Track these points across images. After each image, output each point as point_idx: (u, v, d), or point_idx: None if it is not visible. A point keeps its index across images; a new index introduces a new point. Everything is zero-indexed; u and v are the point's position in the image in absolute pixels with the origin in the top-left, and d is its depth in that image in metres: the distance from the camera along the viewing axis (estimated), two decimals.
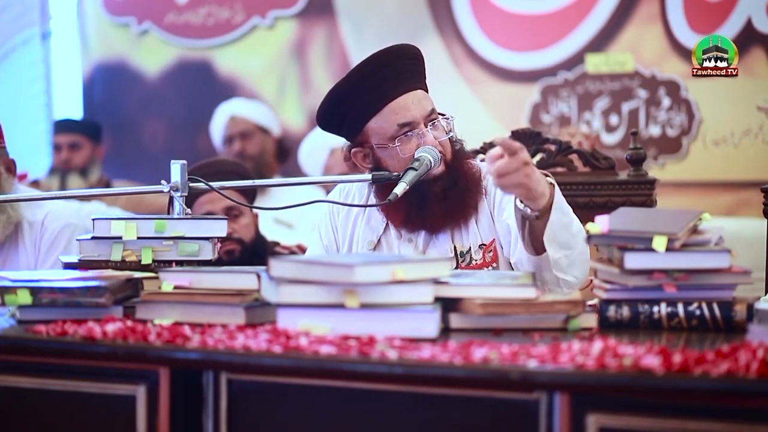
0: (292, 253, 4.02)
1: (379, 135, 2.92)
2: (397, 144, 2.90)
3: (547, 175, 2.71)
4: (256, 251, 3.89)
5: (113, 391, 2.32)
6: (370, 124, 2.92)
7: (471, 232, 2.93)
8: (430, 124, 2.92)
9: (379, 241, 2.98)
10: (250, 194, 4.00)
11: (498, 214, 2.92)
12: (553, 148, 3.44)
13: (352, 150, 2.98)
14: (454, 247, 2.92)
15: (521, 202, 2.66)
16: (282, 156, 5.98)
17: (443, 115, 2.96)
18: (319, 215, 3.12)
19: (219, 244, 2.83)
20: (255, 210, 3.97)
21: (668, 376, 1.95)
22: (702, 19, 5.50)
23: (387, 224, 2.98)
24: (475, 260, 2.91)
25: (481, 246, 2.92)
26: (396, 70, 2.91)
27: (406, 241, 2.96)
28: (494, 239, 2.92)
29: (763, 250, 3.46)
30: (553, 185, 2.68)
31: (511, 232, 2.86)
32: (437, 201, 2.90)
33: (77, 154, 6.11)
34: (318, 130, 5.36)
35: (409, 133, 2.89)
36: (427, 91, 2.97)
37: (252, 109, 6.05)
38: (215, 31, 6.60)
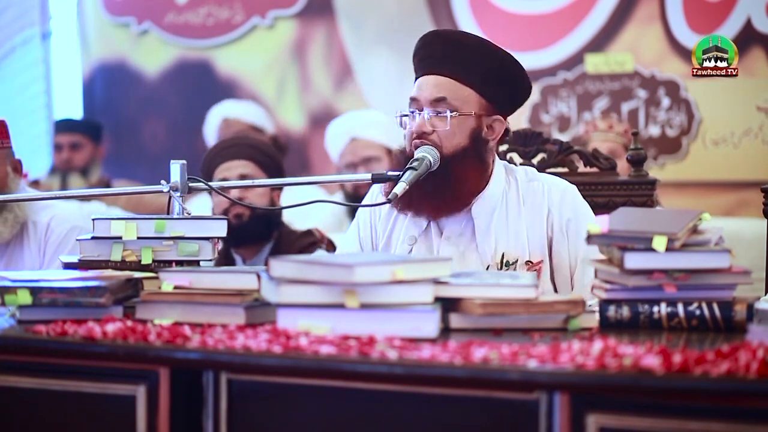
0: (319, 238, 4.01)
1: None
2: (397, 115, 2.94)
3: None
4: (269, 219, 4.01)
5: (113, 391, 2.32)
6: None
7: (520, 244, 2.88)
8: (431, 110, 2.90)
9: (419, 238, 2.95)
10: (274, 171, 4.03)
11: (571, 248, 2.91)
12: (554, 148, 3.43)
13: None
14: (502, 254, 2.88)
15: None
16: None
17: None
18: (360, 210, 3.10)
19: (219, 244, 2.83)
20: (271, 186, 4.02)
21: (668, 376, 1.95)
22: (702, 19, 5.50)
23: (429, 222, 2.96)
24: None
25: (527, 262, 2.88)
26: (437, 51, 2.91)
27: (445, 240, 2.93)
28: (542, 260, 2.88)
29: (763, 250, 3.46)
30: None
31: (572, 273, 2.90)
32: (418, 186, 2.84)
33: (78, 154, 6.11)
34: (345, 115, 5.34)
35: (412, 111, 2.91)
36: (461, 82, 2.90)
37: (244, 109, 6.04)
38: (215, 31, 6.60)
